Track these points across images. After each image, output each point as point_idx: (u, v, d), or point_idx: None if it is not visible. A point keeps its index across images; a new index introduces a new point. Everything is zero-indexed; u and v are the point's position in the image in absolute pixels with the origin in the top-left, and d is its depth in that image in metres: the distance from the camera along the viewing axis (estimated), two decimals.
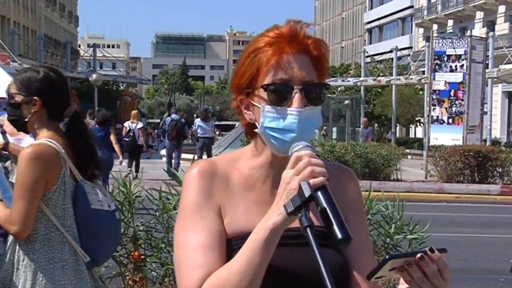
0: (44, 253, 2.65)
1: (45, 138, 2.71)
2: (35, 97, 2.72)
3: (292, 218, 1.30)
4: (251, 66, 1.43)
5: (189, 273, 1.38)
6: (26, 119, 2.75)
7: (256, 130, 1.45)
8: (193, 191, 1.46)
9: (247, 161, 1.52)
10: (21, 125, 2.80)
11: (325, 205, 1.26)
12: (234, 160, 1.53)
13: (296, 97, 1.39)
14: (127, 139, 16.28)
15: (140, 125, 16.80)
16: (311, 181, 1.27)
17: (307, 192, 1.26)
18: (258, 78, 1.42)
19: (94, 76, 28.55)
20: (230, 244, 1.43)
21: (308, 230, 1.25)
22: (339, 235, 1.24)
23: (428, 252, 1.27)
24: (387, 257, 1.27)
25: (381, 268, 1.27)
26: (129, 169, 15.96)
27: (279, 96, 1.40)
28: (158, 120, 49.20)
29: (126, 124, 16.88)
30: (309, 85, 1.41)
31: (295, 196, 1.28)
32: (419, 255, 1.26)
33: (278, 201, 1.31)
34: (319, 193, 1.27)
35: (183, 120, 18.17)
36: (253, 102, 1.44)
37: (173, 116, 17.88)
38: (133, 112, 17.94)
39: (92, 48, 38.41)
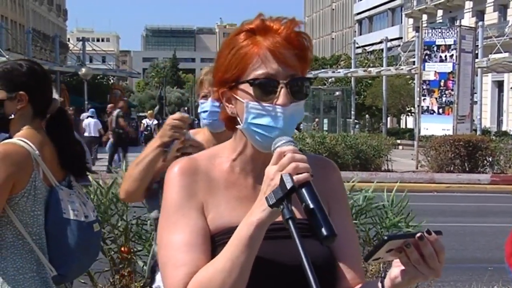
0: (12, 262, 2.40)
1: (20, 137, 2.45)
2: (21, 92, 2.47)
3: (276, 213, 1.28)
4: (235, 60, 1.40)
5: (173, 272, 1.36)
6: (11, 117, 2.48)
7: (238, 126, 1.44)
8: (174, 190, 1.44)
9: (228, 156, 1.50)
10: (2, 124, 2.52)
11: (309, 201, 1.25)
12: (214, 156, 1.51)
13: (282, 92, 1.37)
14: (146, 132, 21.42)
15: (155, 122, 22.04)
16: (295, 177, 1.26)
17: (288, 184, 1.25)
18: (243, 73, 1.40)
19: (84, 70, 28.45)
20: (214, 240, 1.42)
21: (290, 222, 1.24)
22: (324, 232, 1.23)
23: (425, 234, 1.27)
24: (385, 237, 1.26)
25: (379, 250, 1.27)
26: None
27: (265, 91, 1.38)
28: None
29: (144, 121, 22.66)
30: (294, 79, 1.39)
31: (277, 188, 1.26)
32: (418, 234, 1.26)
33: (262, 197, 1.30)
34: (303, 190, 1.26)
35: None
36: (236, 97, 1.42)
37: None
38: (150, 112, 25.00)
39: (81, 42, 38.23)
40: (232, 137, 1.51)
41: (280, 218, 1.27)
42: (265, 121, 1.37)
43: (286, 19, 1.42)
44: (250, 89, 1.39)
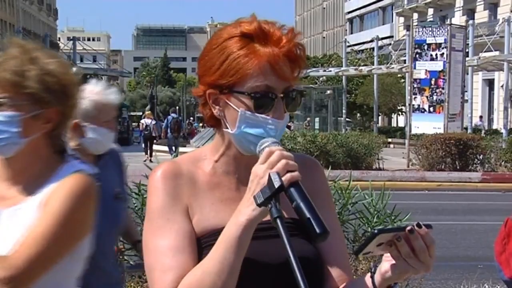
0: None
1: None
2: None
3: (264, 212, 1.28)
4: (233, 67, 1.38)
5: (161, 277, 1.35)
6: None
7: (227, 130, 1.42)
8: (158, 194, 1.43)
9: (210, 158, 1.49)
10: None
11: (299, 200, 1.25)
12: (197, 159, 1.50)
13: (279, 105, 1.38)
14: (146, 132, 23.36)
15: (153, 122, 23.84)
16: (288, 175, 1.26)
17: (276, 183, 1.24)
18: (240, 81, 1.38)
19: (74, 69, 28.00)
20: (200, 243, 1.41)
21: (278, 221, 1.24)
22: (317, 230, 1.22)
23: (415, 227, 1.26)
24: (375, 231, 1.26)
25: (369, 243, 1.26)
26: (146, 156, 21.47)
27: (262, 103, 1.38)
28: (140, 113, 49.37)
29: (142, 121, 24.37)
30: (289, 91, 1.40)
31: (264, 187, 1.26)
32: (409, 227, 1.26)
33: (250, 197, 1.29)
34: (292, 189, 1.26)
35: (180, 117, 23.95)
36: (228, 102, 1.40)
37: (173, 115, 24.09)
38: (148, 112, 26.67)
39: (71, 41, 38.09)
40: (215, 137, 1.51)
41: (268, 218, 1.26)
42: (258, 131, 1.37)
43: (285, 27, 1.41)
44: (246, 99, 1.37)
